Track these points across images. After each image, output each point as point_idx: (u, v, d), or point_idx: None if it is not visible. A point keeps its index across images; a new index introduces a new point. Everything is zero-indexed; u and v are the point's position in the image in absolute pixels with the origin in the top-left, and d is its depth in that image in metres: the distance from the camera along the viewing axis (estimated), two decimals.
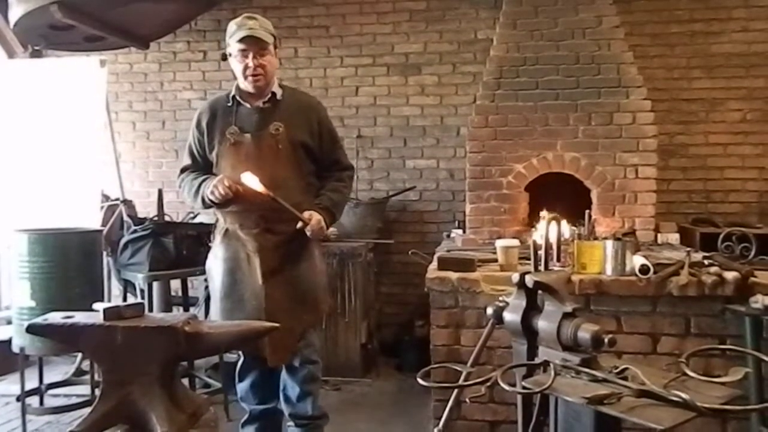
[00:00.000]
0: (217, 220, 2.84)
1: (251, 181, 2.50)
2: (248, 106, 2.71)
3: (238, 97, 2.71)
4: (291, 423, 2.83)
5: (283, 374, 2.81)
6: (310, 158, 2.73)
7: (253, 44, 2.60)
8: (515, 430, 1.89)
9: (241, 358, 2.85)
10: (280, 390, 2.86)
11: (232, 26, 2.66)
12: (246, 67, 2.62)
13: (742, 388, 1.96)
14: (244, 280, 2.67)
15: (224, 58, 2.72)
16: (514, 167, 3.85)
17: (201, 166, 2.77)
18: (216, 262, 2.75)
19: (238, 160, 2.62)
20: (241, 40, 2.60)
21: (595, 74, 3.86)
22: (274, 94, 2.71)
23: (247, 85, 2.67)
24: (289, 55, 4.79)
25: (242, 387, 2.86)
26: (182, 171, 2.83)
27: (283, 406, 2.86)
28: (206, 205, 2.69)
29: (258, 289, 2.62)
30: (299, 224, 2.60)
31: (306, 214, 2.61)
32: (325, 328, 3.97)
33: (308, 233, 2.63)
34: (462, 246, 3.77)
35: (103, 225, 3.87)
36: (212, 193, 2.58)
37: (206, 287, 3.97)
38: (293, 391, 2.80)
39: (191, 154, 2.80)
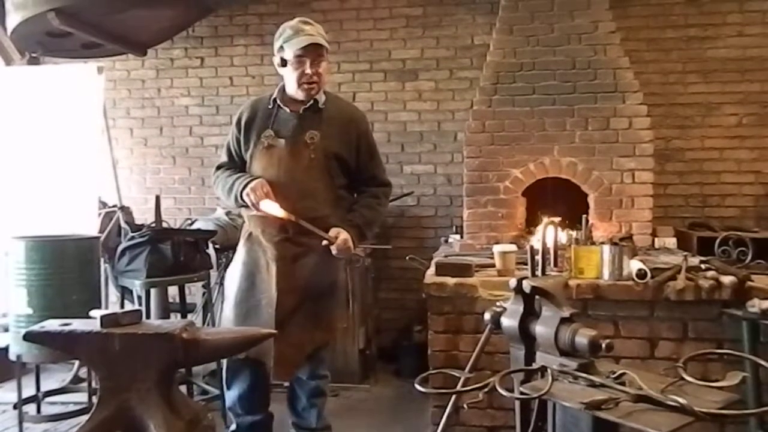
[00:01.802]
0: (243, 223, 2.81)
1: (271, 208, 2.48)
2: (288, 110, 2.64)
3: (279, 101, 2.65)
4: (293, 430, 2.83)
5: (292, 382, 2.78)
6: (343, 171, 2.65)
7: (311, 51, 2.54)
8: None
9: (225, 365, 2.77)
10: (285, 398, 2.83)
11: (287, 31, 2.57)
12: (302, 74, 2.54)
13: (740, 393, 1.96)
14: (263, 287, 2.61)
15: (284, 63, 2.57)
16: (511, 172, 3.85)
17: (237, 165, 2.73)
18: (236, 265, 2.71)
19: (269, 164, 2.58)
20: (303, 47, 2.52)
21: (592, 79, 3.87)
22: (316, 101, 2.63)
23: (300, 93, 2.59)
24: None
25: (230, 396, 2.77)
26: (218, 168, 2.78)
27: (288, 412, 2.83)
28: (239, 203, 2.62)
29: (273, 298, 2.56)
30: (324, 242, 2.53)
31: (333, 232, 2.54)
32: None
33: (334, 252, 2.55)
34: (460, 251, 3.78)
35: (101, 232, 3.86)
36: (248, 195, 2.51)
37: (204, 294, 3.99)
38: (299, 402, 2.77)
39: (228, 151, 2.76)
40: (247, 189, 2.52)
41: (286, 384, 2.80)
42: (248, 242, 2.69)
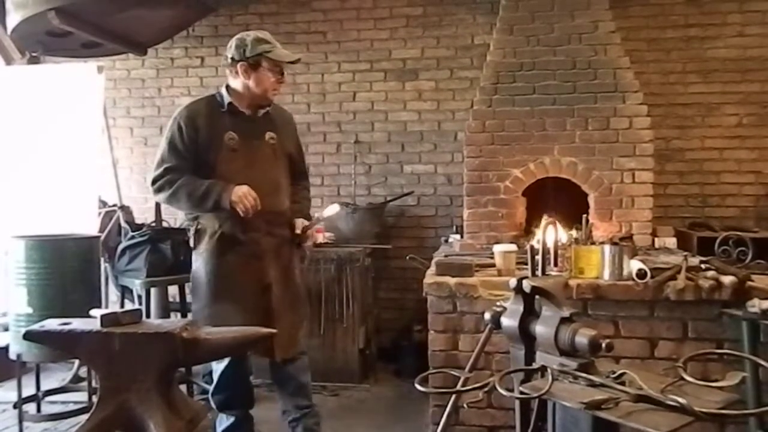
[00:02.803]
0: (199, 225, 2.76)
1: (331, 210, 2.98)
2: (245, 113, 2.77)
3: (235, 104, 2.74)
4: (291, 416, 2.86)
5: (274, 374, 2.90)
6: (290, 167, 2.92)
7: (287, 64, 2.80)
8: None
9: (223, 367, 2.84)
10: (276, 389, 2.96)
11: (264, 42, 2.70)
12: (277, 83, 2.75)
13: (740, 393, 1.96)
14: (242, 283, 2.69)
15: (278, 70, 2.75)
16: (511, 172, 3.85)
17: (190, 167, 2.69)
18: (206, 266, 2.72)
19: (241, 166, 2.70)
20: (291, 62, 2.79)
21: (592, 79, 3.87)
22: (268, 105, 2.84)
23: (267, 98, 2.78)
24: None
25: (225, 395, 2.88)
26: (168, 171, 2.68)
27: (279, 403, 2.93)
28: (214, 208, 2.65)
29: (261, 290, 2.71)
30: (298, 230, 2.83)
31: (298, 223, 2.86)
32: (323, 333, 3.99)
33: (305, 238, 2.88)
34: (460, 251, 3.77)
35: (101, 231, 3.87)
36: (239, 201, 2.60)
37: None
38: (290, 384, 2.87)
39: (178, 154, 2.68)
40: (234, 195, 2.61)
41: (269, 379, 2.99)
42: (219, 243, 2.71)
